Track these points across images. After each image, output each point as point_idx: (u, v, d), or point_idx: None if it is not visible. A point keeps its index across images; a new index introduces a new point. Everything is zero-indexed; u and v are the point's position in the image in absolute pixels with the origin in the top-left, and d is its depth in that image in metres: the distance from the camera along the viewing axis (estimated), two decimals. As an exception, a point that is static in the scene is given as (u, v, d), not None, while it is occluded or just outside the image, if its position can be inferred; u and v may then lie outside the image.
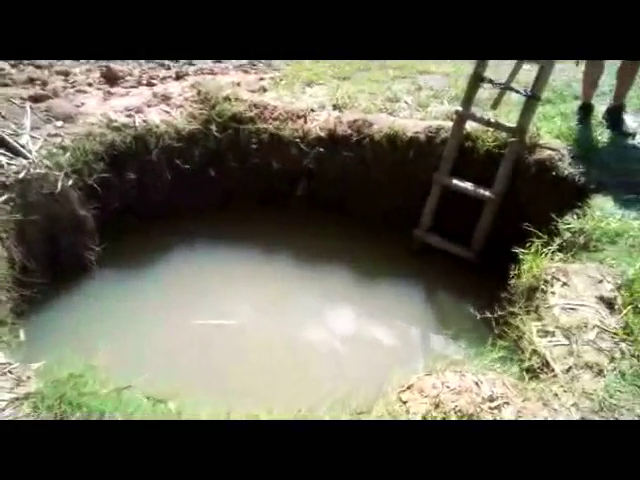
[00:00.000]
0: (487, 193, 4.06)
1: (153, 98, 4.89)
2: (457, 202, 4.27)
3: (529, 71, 4.42)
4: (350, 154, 4.55)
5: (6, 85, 4.99)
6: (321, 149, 4.59)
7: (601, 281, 2.57)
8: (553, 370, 2.11)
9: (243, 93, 5.01)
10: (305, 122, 4.75)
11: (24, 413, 2.08)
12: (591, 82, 4.09)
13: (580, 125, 4.11)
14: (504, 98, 4.44)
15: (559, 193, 3.62)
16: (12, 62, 5.61)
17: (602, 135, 4.05)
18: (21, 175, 3.68)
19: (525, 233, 3.37)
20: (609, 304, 2.41)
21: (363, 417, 1.95)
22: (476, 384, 2.03)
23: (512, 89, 3.90)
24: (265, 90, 5.36)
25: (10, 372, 2.32)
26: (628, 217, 3.09)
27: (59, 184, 3.87)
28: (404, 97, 5.22)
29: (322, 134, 4.63)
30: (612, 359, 2.11)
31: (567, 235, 3.15)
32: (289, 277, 4.38)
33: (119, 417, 1.95)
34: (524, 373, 2.21)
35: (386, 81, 5.69)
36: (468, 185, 4.17)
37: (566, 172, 3.67)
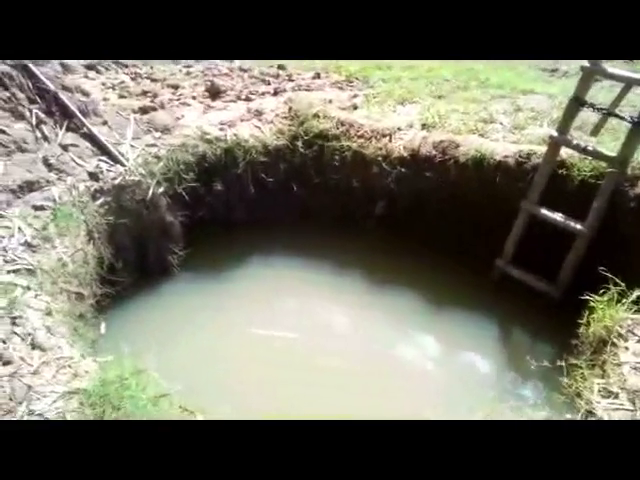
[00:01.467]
0: (578, 226, 3.71)
1: (247, 113, 5.11)
2: (545, 233, 3.94)
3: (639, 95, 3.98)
4: (432, 176, 4.39)
5: (122, 97, 5.50)
6: (402, 169, 4.49)
7: None
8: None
9: (332, 110, 5.05)
10: (390, 141, 4.68)
11: (72, 407, 2.25)
12: None
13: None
14: (612, 125, 4.02)
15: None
16: (132, 75, 6.19)
17: None
18: (117, 181, 4.02)
19: (617, 275, 3.02)
20: None
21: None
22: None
23: (615, 115, 3.51)
24: (356, 108, 5.36)
25: (70, 366, 2.52)
26: None
27: (150, 191, 4.19)
28: (500, 118, 4.94)
29: (405, 154, 4.53)
30: None
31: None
32: (358, 298, 4.34)
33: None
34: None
35: (484, 101, 5.42)
36: (558, 216, 3.83)
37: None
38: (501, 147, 4.24)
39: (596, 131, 3.67)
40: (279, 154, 4.80)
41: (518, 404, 2.49)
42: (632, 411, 1.94)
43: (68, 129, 4.09)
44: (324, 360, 3.63)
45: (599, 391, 2.08)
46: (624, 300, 2.60)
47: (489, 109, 5.14)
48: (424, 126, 4.84)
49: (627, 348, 2.25)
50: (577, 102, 3.64)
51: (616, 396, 2.02)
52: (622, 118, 3.47)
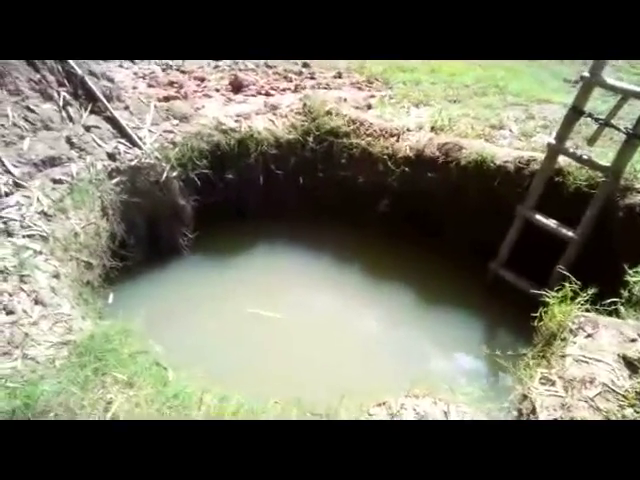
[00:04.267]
0: (570, 233, 3.77)
1: (263, 107, 5.33)
2: (539, 239, 4.01)
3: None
4: (435, 177, 4.51)
5: (151, 86, 5.81)
6: (407, 169, 4.62)
7: (634, 340, 2.29)
8: (537, 417, 1.96)
9: (345, 109, 5.22)
10: (397, 141, 4.82)
11: (62, 355, 2.49)
12: None
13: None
14: (610, 135, 4.07)
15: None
16: (163, 66, 6.51)
17: None
18: (133, 163, 4.29)
19: (606, 277, 3.11)
20: (631, 365, 2.15)
21: (323, 417, 2.01)
22: (444, 413, 1.98)
23: (612, 125, 3.56)
24: (370, 107, 5.52)
25: (66, 322, 2.77)
26: None
27: (164, 174, 4.44)
28: (510, 125, 5.01)
29: (410, 154, 4.66)
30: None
31: (637, 288, 2.83)
32: (354, 290, 4.49)
33: (120, 376, 2.25)
34: (508, 414, 2.09)
35: (498, 107, 5.50)
36: (551, 222, 3.90)
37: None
38: (503, 152, 4.32)
39: (593, 140, 3.71)
40: (290, 147, 4.99)
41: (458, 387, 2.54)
42: (563, 397, 2.04)
43: (92, 112, 4.38)
44: (309, 338, 3.81)
45: (540, 379, 2.18)
46: (579, 298, 2.68)
47: (501, 115, 5.22)
48: (433, 128, 4.95)
49: (574, 342, 2.34)
50: (575, 111, 3.70)
51: (553, 384, 2.13)
52: (617, 129, 3.52)
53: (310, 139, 5.01)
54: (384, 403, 2.12)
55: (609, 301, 2.77)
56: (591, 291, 2.71)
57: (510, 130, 4.92)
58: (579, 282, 2.94)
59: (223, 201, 4.93)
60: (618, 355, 2.22)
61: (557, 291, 2.81)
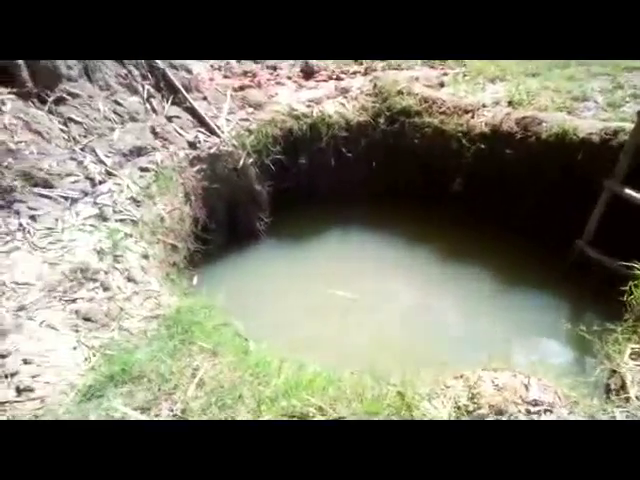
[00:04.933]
0: (664, 207, 3.51)
1: (334, 91, 5.36)
2: (628, 214, 3.77)
3: None
4: (512, 153, 4.35)
5: (227, 77, 6.00)
6: (482, 146, 4.49)
7: None
8: (627, 393, 1.87)
9: (417, 88, 5.14)
10: (472, 117, 4.69)
11: (152, 327, 2.68)
12: None
13: None
14: None
15: None
16: (237, 59, 6.71)
17: None
18: (212, 150, 4.49)
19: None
20: None
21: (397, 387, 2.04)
22: (525, 386, 1.94)
23: None
24: (443, 85, 5.39)
25: (155, 298, 2.98)
26: None
27: (242, 161, 4.61)
28: (594, 96, 4.72)
29: (486, 130, 4.52)
30: None
31: None
32: (428, 273, 4.44)
33: (205, 345, 2.39)
34: (596, 390, 2.01)
35: (581, 79, 5.17)
36: (642, 196, 3.65)
37: None
38: (587, 124, 4.09)
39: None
40: (361, 129, 5.00)
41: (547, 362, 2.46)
42: None
43: (173, 103, 4.63)
44: (384, 319, 3.83)
45: (630, 354, 2.07)
46: None
47: (584, 87, 4.92)
48: (510, 103, 4.77)
49: None
50: (670, 74, 3.43)
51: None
52: None
53: (381, 120, 5.00)
54: (461, 376, 2.11)
55: None
56: None
57: (595, 101, 4.63)
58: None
59: (296, 185, 5.04)
60: None
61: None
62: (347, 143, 4.97)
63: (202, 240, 4.43)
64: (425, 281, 4.35)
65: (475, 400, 1.92)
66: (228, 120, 4.78)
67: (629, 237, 3.72)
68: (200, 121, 4.64)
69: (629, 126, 3.88)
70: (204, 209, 4.49)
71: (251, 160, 4.71)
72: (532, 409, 1.85)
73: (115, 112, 4.25)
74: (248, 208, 4.88)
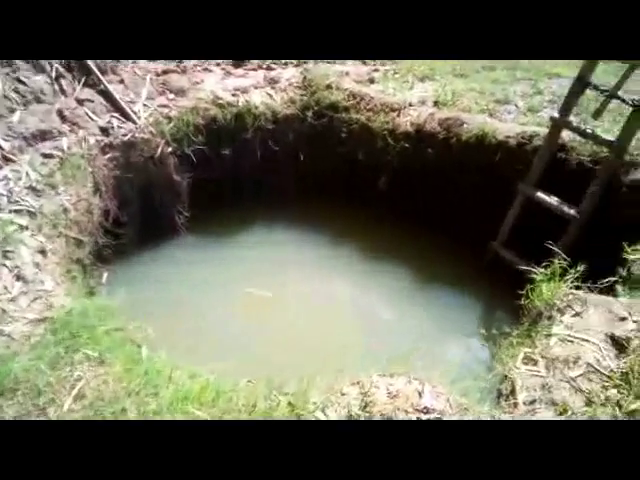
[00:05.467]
0: (572, 211, 3.63)
1: (262, 81, 5.20)
2: (540, 217, 3.87)
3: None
4: (435, 152, 4.37)
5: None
6: (407, 145, 4.48)
7: (624, 319, 2.18)
8: (516, 398, 1.88)
9: (346, 82, 5.07)
10: (398, 116, 4.67)
11: (38, 332, 2.47)
12: None
13: None
14: (620, 109, 3.87)
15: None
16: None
17: None
18: (127, 137, 4.23)
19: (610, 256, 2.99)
20: (619, 345, 2.04)
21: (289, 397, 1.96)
22: (418, 393, 1.92)
23: (617, 97, 3.38)
24: (372, 82, 5.35)
25: (46, 298, 2.75)
26: None
27: (159, 150, 4.38)
28: (516, 100, 4.82)
29: (411, 129, 4.52)
30: (589, 403, 1.82)
31: (635, 266, 2.71)
32: (351, 269, 4.41)
33: (91, 353, 2.21)
34: (487, 395, 2.02)
35: (505, 82, 5.28)
36: (553, 200, 3.76)
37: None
38: (506, 127, 4.16)
39: (598, 114, 3.54)
40: (288, 122, 4.88)
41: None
42: (544, 377, 1.95)
43: (85, 84, 4.31)
44: (297, 318, 3.77)
45: (523, 358, 2.10)
46: (569, 276, 2.57)
47: (507, 90, 5.02)
48: (436, 103, 4.79)
49: (561, 321, 2.24)
50: (581, 83, 3.53)
51: (535, 363, 2.04)
52: (623, 101, 3.34)
53: (309, 114, 4.89)
54: (358, 382, 2.06)
55: (606, 280, 2.65)
56: (580, 268, 2.60)
57: (516, 105, 4.74)
58: (581, 261, 2.83)
59: (220, 178, 4.86)
60: (606, 334, 2.12)
61: (545, 268, 2.70)
62: (274, 135, 4.84)
63: (113, 235, 4.18)
64: (345, 280, 4.31)
65: (368, 409, 1.87)
66: (146, 106, 4.52)
67: (542, 240, 3.82)
68: (115, 106, 4.35)
69: (544, 131, 3.97)
70: (116, 201, 4.23)
71: (170, 149, 4.48)
72: (423, 417, 1.82)
73: (17, 91, 3.90)
74: (166, 201, 4.65)
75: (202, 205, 4.71)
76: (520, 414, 1.84)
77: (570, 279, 2.55)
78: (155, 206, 4.60)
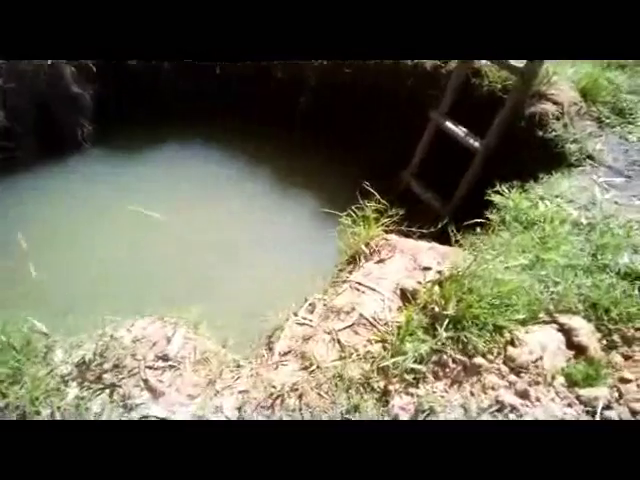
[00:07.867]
0: (476, 144, 3.42)
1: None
2: (451, 148, 3.66)
3: None
4: (351, 72, 4.05)
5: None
6: (325, 62, 4.15)
7: (427, 269, 2.06)
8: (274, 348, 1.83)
9: None
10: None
11: None
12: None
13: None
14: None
15: (533, 158, 2.92)
16: None
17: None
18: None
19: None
20: (405, 297, 1.93)
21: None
22: (167, 338, 1.84)
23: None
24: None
25: None
26: (574, 205, 2.41)
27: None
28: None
29: (329, 46, 4.15)
30: (342, 357, 1.74)
31: (495, 209, 2.57)
32: (262, 194, 4.22)
33: None
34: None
35: None
36: (460, 131, 3.54)
37: (553, 135, 2.91)
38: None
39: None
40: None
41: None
42: (313, 327, 1.88)
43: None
44: (184, 242, 3.65)
45: (307, 307, 2.01)
46: (384, 220, 2.40)
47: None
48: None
49: (363, 267, 2.13)
50: None
51: (312, 312, 1.96)
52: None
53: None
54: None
55: (473, 221, 2.49)
56: (399, 211, 2.43)
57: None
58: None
59: (126, 88, 4.51)
60: (397, 284, 2.00)
61: (358, 209, 2.51)
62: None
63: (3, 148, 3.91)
64: (246, 206, 4.11)
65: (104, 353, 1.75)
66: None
67: (448, 171, 3.65)
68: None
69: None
70: (3, 111, 3.92)
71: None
72: (156, 364, 1.72)
73: None
74: (66, 113, 4.33)
75: (113, 120, 4.42)
76: (269, 364, 1.75)
77: (386, 222, 2.38)
78: (55, 119, 4.29)
